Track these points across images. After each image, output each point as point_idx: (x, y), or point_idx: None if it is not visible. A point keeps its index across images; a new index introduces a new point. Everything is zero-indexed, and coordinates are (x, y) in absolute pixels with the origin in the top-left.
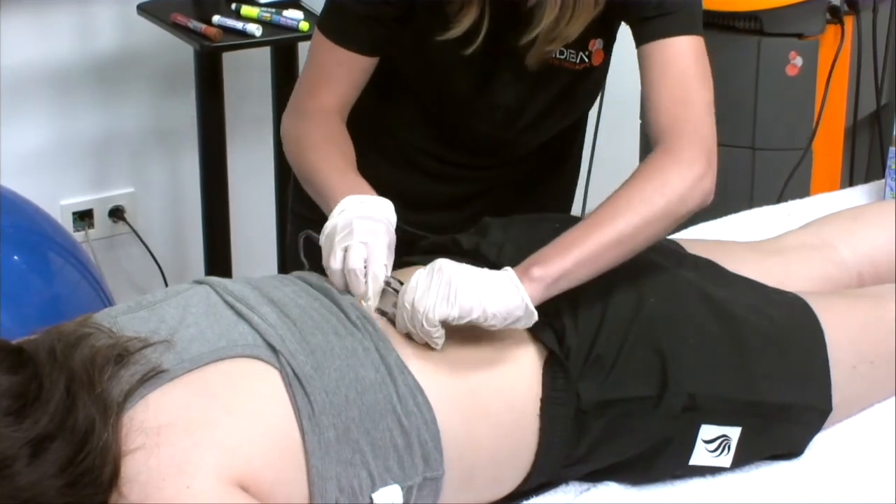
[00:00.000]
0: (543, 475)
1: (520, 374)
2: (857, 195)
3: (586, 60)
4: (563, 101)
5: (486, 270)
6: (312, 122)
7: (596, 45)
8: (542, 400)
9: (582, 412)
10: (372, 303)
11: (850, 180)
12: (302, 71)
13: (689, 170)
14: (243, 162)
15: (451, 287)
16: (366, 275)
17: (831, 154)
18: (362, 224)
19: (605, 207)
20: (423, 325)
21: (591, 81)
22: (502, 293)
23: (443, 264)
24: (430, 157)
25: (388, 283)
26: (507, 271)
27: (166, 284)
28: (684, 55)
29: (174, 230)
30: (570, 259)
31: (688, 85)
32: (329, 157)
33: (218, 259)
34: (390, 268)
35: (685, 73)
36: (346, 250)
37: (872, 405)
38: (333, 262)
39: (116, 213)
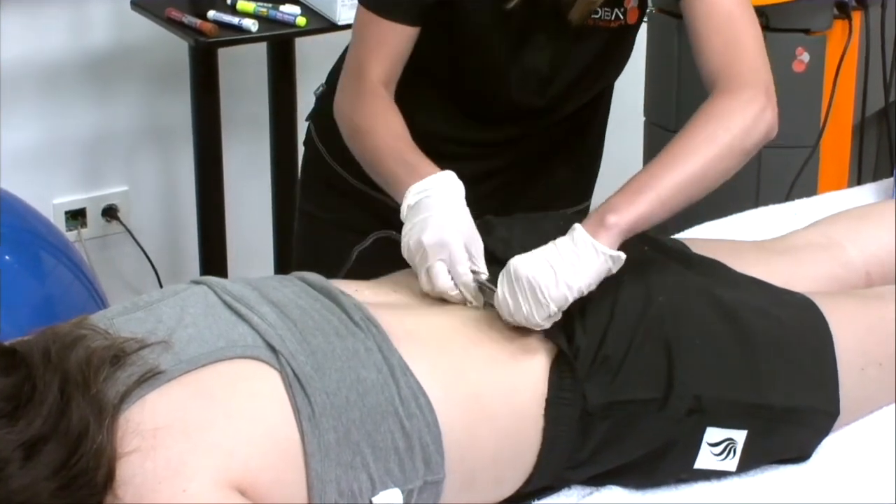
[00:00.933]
0: (545, 477)
1: (525, 375)
2: (866, 194)
3: (621, 18)
4: (597, 64)
5: (558, 245)
6: (365, 104)
7: (632, 2)
8: (548, 400)
9: (587, 414)
10: (477, 304)
11: (858, 178)
12: (349, 50)
13: (750, 105)
14: (239, 160)
15: (536, 289)
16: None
17: (839, 152)
18: (431, 235)
19: (669, 150)
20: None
21: (625, 42)
22: (585, 264)
23: (516, 266)
24: (445, 140)
25: (480, 284)
26: (578, 231)
27: (160, 285)
28: None
29: (169, 230)
30: (643, 203)
31: (735, 25)
32: (385, 141)
33: (213, 259)
34: (481, 257)
35: (731, 15)
36: (428, 272)
37: (881, 408)
38: (426, 286)
39: (110, 213)
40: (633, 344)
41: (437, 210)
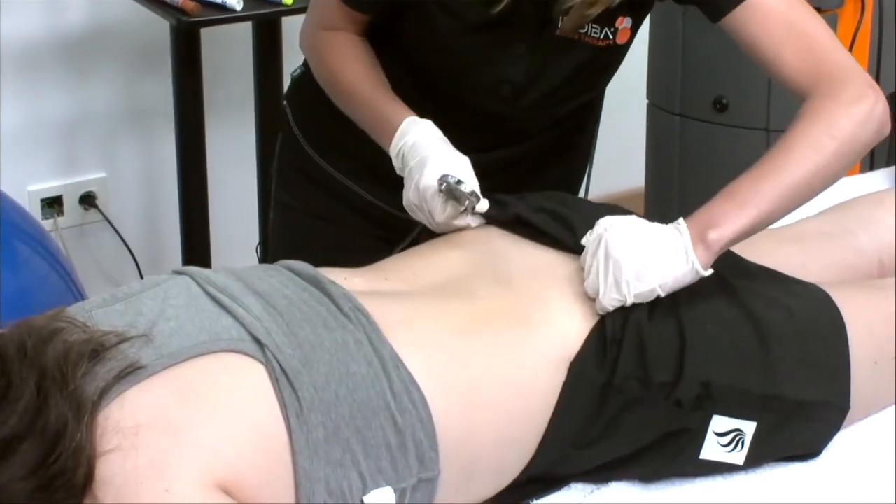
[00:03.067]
0: (550, 455)
1: (526, 365)
2: (879, 179)
3: (610, 38)
4: (577, 79)
5: (659, 237)
6: (337, 37)
7: (624, 22)
8: (577, 355)
9: (608, 385)
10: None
11: (871, 164)
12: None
13: (855, 107)
14: (223, 145)
15: (621, 272)
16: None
17: None
18: (432, 171)
19: (772, 157)
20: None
21: (610, 61)
22: (675, 267)
23: (608, 239)
24: None
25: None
26: (683, 238)
27: (141, 275)
28: (777, 2)
29: (149, 217)
30: (745, 219)
31: (799, 30)
32: (359, 87)
33: (196, 248)
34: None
35: (791, 21)
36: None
37: (893, 404)
38: (440, 217)
39: (87, 200)
40: (649, 327)
41: (427, 149)
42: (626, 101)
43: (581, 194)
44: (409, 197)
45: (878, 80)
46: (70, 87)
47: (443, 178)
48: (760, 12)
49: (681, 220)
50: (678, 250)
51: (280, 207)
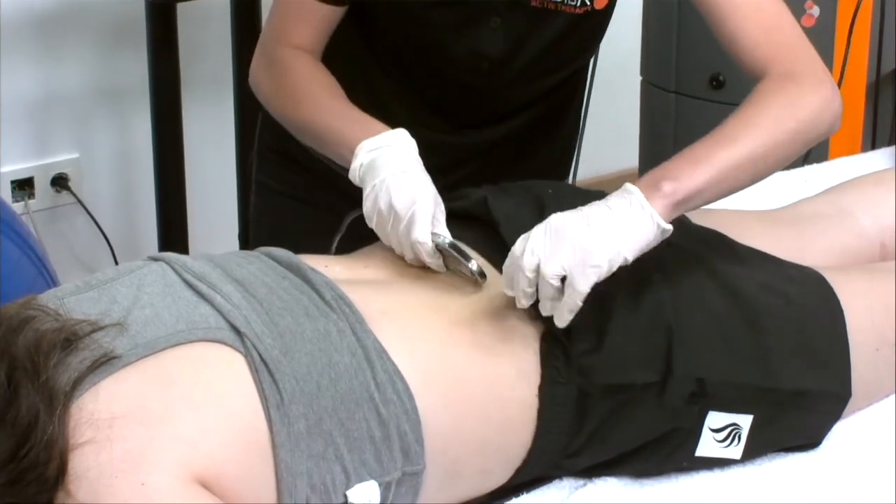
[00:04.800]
0: (540, 465)
1: (513, 358)
2: (880, 159)
3: (588, 3)
4: (556, 50)
5: (611, 205)
6: (287, 66)
7: None
8: (542, 378)
9: (585, 395)
10: (438, 268)
11: (873, 143)
12: (268, 17)
13: (816, 93)
14: (201, 125)
15: (581, 250)
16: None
17: (852, 114)
18: (402, 196)
19: (730, 125)
20: (568, 301)
21: (591, 28)
22: (636, 229)
23: (558, 223)
24: (404, 121)
25: (443, 249)
26: (634, 193)
27: (116, 261)
28: None
29: (124, 201)
30: (701, 176)
31: (769, 8)
32: (320, 100)
33: (173, 233)
34: (441, 224)
35: (760, 2)
36: (408, 233)
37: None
38: (408, 253)
39: (59, 182)
40: (630, 323)
41: (399, 169)
42: (618, 77)
43: (570, 176)
44: (382, 210)
45: (879, 55)
46: (41, 65)
47: (435, 238)
48: None
49: (629, 185)
50: (631, 205)
51: (261, 190)
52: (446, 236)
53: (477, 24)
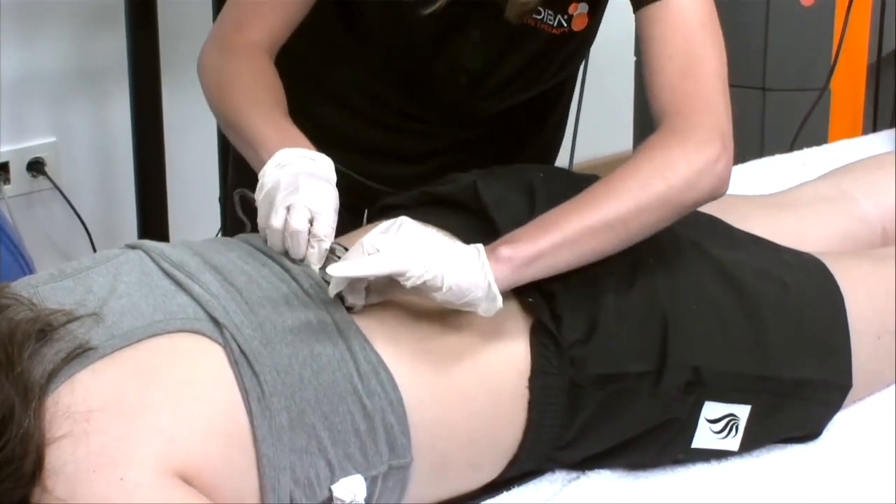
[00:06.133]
0: (532, 459)
1: (501, 348)
2: (881, 141)
3: (565, 25)
4: (535, 68)
5: (451, 240)
6: (239, 59)
7: (578, 9)
8: (532, 370)
9: (577, 385)
10: (314, 267)
11: (874, 125)
12: (223, 10)
13: (698, 153)
14: (181, 108)
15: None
16: (310, 237)
17: (852, 95)
18: (308, 182)
19: (596, 187)
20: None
21: (570, 49)
22: (464, 265)
23: (405, 220)
24: (389, 109)
25: (332, 250)
26: (476, 247)
27: (94, 248)
28: (689, 18)
29: (102, 186)
30: (545, 241)
31: (694, 53)
32: (259, 102)
33: (153, 220)
34: (333, 232)
35: (691, 40)
36: (288, 209)
37: None
38: (274, 221)
39: (36, 167)
40: (623, 311)
41: (315, 172)
42: (612, 58)
43: (566, 160)
44: (275, 226)
45: (881, 34)
46: (16, 45)
47: (332, 247)
48: (672, 18)
49: (476, 244)
50: (472, 257)
51: (238, 167)
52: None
53: (458, 36)
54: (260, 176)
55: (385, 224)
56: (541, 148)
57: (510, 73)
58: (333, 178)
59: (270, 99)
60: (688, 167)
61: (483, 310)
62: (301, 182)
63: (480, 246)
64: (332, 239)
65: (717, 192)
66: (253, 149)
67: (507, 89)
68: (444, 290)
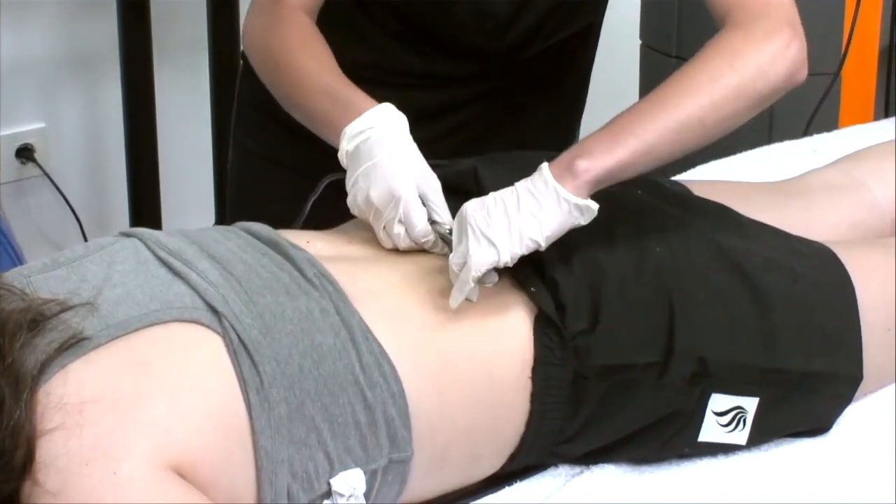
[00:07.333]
0: (533, 452)
1: (503, 338)
2: (893, 127)
3: None
4: (564, 8)
5: (518, 188)
6: (284, 30)
7: None
8: (535, 360)
9: (581, 377)
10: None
11: (886, 111)
12: None
13: (768, 41)
14: (174, 93)
15: (481, 234)
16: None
17: (863, 80)
18: (380, 189)
19: (664, 87)
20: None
21: None
22: (546, 213)
23: (466, 210)
24: (396, 72)
25: (441, 236)
26: (544, 172)
27: (85, 237)
28: None
29: (93, 173)
30: (622, 149)
31: None
32: (308, 77)
33: (145, 208)
34: (439, 201)
35: None
36: (386, 231)
37: None
38: (387, 244)
39: (25, 153)
40: (628, 300)
41: (382, 156)
42: (617, 41)
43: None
44: (359, 204)
45: (893, 17)
46: (5, 29)
47: (435, 228)
48: None
49: (543, 164)
50: (542, 189)
51: (238, 148)
52: (444, 223)
53: None
54: (341, 162)
55: (456, 226)
56: (552, 123)
57: (540, 16)
58: (400, 126)
59: (316, 66)
60: (759, 55)
61: (584, 223)
62: (372, 195)
63: (547, 173)
64: (442, 218)
65: (795, 79)
66: (322, 133)
67: (537, 36)
68: (545, 245)
